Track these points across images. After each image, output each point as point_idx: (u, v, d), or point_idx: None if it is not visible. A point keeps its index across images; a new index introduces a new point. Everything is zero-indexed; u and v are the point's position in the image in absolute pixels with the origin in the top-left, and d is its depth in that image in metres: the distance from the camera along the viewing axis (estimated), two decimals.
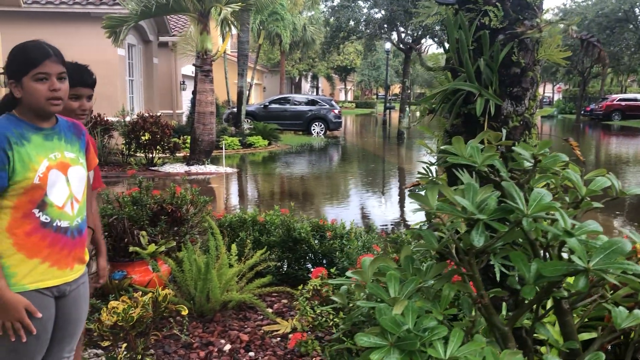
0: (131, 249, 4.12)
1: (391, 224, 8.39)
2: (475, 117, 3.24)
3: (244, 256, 4.44)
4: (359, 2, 19.88)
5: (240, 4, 11.52)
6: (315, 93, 48.98)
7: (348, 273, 1.85)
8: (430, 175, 3.56)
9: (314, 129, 23.66)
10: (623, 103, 36.19)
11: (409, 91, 24.25)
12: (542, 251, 1.58)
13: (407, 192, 3.55)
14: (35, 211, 1.91)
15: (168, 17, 19.35)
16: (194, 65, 13.06)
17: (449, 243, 1.72)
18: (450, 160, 1.87)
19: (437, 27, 15.59)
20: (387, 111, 32.09)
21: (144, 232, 4.30)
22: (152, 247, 4.20)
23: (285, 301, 4.38)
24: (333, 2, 20.17)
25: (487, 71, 3.10)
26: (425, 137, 24.50)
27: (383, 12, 18.60)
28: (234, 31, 18.02)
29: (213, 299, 3.96)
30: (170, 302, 3.25)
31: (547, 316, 1.64)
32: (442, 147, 3.25)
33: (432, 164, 3.60)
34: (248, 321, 3.98)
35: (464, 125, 3.27)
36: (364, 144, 23.38)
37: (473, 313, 1.66)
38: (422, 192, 3.46)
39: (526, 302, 1.57)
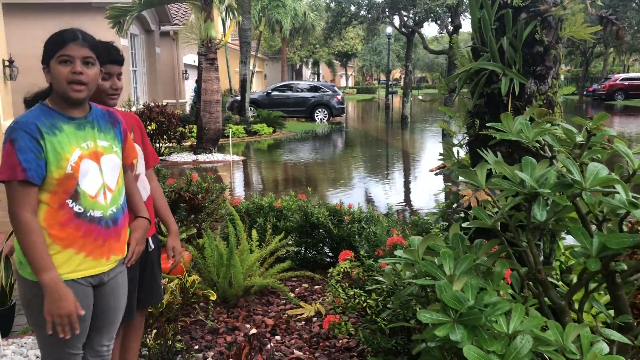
0: None
1: (404, 208, 8.40)
2: (498, 97, 3.23)
3: (264, 242, 4.46)
4: None
5: None
6: (316, 79, 48.81)
7: (397, 252, 1.86)
8: (453, 156, 3.57)
9: (317, 116, 23.59)
10: (626, 82, 35.98)
11: (412, 75, 24.14)
12: (593, 226, 1.59)
13: (433, 174, 3.54)
14: (69, 201, 1.90)
15: (169, 6, 19.26)
16: (198, 53, 13.01)
17: (498, 220, 1.72)
18: (500, 137, 1.86)
19: (440, 10, 15.46)
20: (390, 96, 31.99)
21: None
22: None
23: (306, 285, 4.40)
24: None
25: (510, 50, 3.08)
26: (438, 118, 24.35)
27: None
28: (231, 19, 17.92)
29: (236, 284, 3.98)
30: (197, 288, 3.27)
31: (596, 291, 1.65)
32: (467, 126, 3.26)
33: (454, 145, 3.60)
34: (271, 305, 4.00)
35: (487, 105, 3.27)
36: (368, 129, 23.33)
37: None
38: (449, 173, 3.46)
39: (584, 276, 1.58)
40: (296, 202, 5.00)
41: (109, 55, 2.36)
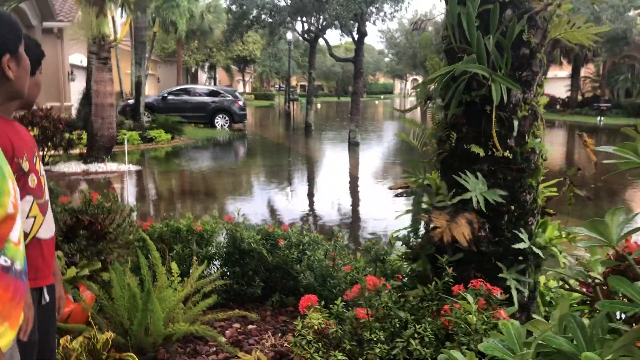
0: None
1: (341, 223, 7.90)
2: (480, 106, 2.77)
3: (186, 275, 3.71)
4: None
5: None
6: (213, 84, 47.40)
7: (481, 346, 1.28)
8: (420, 175, 3.07)
9: (217, 122, 22.61)
10: None
11: (315, 82, 23.91)
12: None
13: (393, 194, 3.03)
14: None
15: (53, 0, 17.51)
16: (89, 52, 11.76)
17: None
18: (623, 168, 1.31)
19: (348, 16, 15.22)
20: (291, 103, 31.61)
21: (59, 253, 3.44)
22: (71, 271, 3.36)
23: (237, 325, 3.72)
24: None
25: (496, 52, 2.64)
26: (341, 125, 24.17)
27: (290, 0, 17.98)
28: (126, 15, 16.62)
29: (155, 332, 3.21)
30: (114, 348, 2.50)
31: None
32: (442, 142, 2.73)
33: (420, 162, 3.10)
34: (200, 356, 3.28)
35: (466, 115, 2.79)
36: (272, 136, 22.74)
37: None
38: (412, 195, 2.96)
39: None
40: (221, 224, 4.29)
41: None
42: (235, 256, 4.10)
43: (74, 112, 19.32)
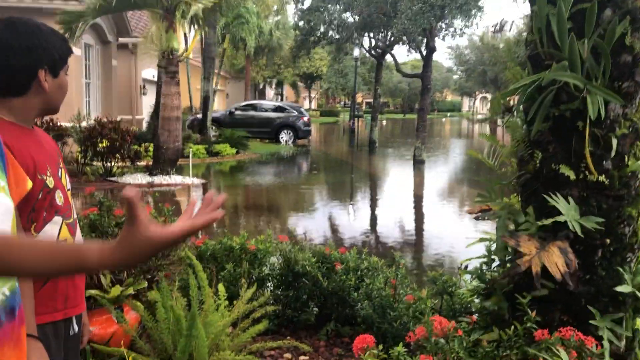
0: (88, 292, 3.11)
1: (403, 246, 7.54)
2: (570, 122, 2.39)
3: (236, 297, 3.48)
4: (330, 5, 19.09)
5: (211, 0, 10.51)
6: (280, 100, 48.01)
7: None
8: (496, 197, 2.71)
9: (282, 137, 22.70)
10: None
11: (381, 99, 23.61)
12: None
13: (472, 217, 2.70)
14: None
15: (129, 17, 18.15)
16: (158, 66, 11.99)
17: None
18: None
19: (416, 32, 14.85)
20: (355, 119, 31.39)
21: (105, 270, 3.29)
22: (116, 290, 3.20)
23: (288, 355, 3.44)
24: (303, 4, 19.31)
25: (592, 59, 2.27)
26: (406, 142, 23.60)
27: (357, 17, 17.82)
28: (195, 30, 16.97)
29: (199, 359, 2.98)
30: None
31: None
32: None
33: (498, 183, 2.74)
34: None
35: (553, 132, 2.42)
36: (335, 152, 22.57)
37: None
38: (494, 218, 2.59)
39: None
40: (275, 244, 4.05)
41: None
42: (289, 279, 3.84)
43: (144, 125, 19.91)
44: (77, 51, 13.81)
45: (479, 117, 64.27)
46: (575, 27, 2.30)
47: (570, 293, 2.33)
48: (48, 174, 1.56)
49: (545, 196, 2.28)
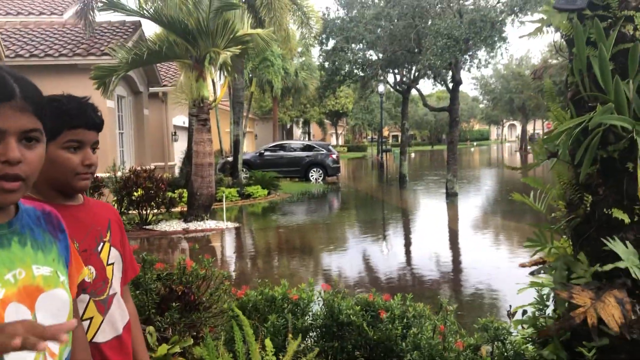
0: None
1: (429, 282, 7.41)
2: (618, 164, 2.34)
3: (281, 350, 3.43)
4: (353, 45, 19.37)
5: (240, 46, 10.76)
6: (307, 138, 48.44)
7: None
8: (546, 242, 2.64)
9: (312, 175, 22.80)
10: None
11: (408, 132, 23.62)
12: None
13: (527, 272, 2.63)
14: None
15: (158, 67, 18.71)
16: (190, 114, 12.27)
17: None
18: None
19: (437, 64, 14.87)
20: (384, 154, 31.43)
21: (151, 328, 3.29)
22: (163, 349, 3.19)
23: None
24: (327, 46, 19.64)
25: (637, 99, 2.23)
26: (437, 176, 23.49)
27: (381, 55, 18.01)
28: (224, 77, 17.35)
29: None
30: None
31: None
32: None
33: (547, 228, 2.67)
34: None
35: (602, 174, 2.37)
36: (366, 188, 22.53)
37: None
38: (547, 273, 2.52)
39: None
40: (316, 292, 4.00)
41: (84, 116, 1.53)
42: (333, 329, 3.77)
43: (176, 171, 20.27)
44: (110, 103, 14.23)
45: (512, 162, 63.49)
46: (618, 67, 2.27)
47: (635, 342, 2.23)
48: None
49: (601, 240, 2.22)
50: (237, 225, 12.41)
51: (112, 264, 1.63)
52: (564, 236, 2.59)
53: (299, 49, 24.89)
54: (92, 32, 14.43)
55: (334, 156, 23.14)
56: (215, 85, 19.63)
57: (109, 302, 1.59)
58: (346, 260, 8.95)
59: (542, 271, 2.48)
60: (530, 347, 2.83)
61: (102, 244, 1.61)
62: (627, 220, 2.22)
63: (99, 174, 11.75)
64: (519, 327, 2.88)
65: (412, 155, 49.17)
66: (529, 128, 58.50)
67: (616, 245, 2.18)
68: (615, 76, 2.16)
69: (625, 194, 2.28)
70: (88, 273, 1.42)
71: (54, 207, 1.28)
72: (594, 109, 2.29)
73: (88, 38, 14.40)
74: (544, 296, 2.69)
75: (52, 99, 1.49)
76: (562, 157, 2.45)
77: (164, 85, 19.62)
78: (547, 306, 2.69)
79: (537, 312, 2.68)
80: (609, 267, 2.15)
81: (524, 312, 2.86)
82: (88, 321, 1.52)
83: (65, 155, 1.48)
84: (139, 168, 11.77)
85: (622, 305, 2.13)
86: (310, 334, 3.95)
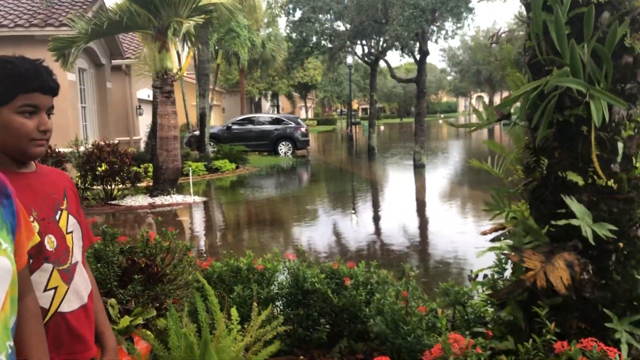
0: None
1: (394, 250, 7.50)
2: (573, 127, 2.38)
3: (246, 319, 3.44)
4: (320, 15, 19.15)
5: (203, 16, 10.51)
6: (276, 112, 48.07)
7: None
8: (504, 206, 2.68)
9: (280, 149, 22.70)
10: None
11: (377, 105, 23.63)
12: None
13: (487, 238, 2.67)
14: None
15: (121, 38, 18.19)
16: (153, 86, 12.01)
17: None
18: None
19: (408, 37, 14.88)
20: (353, 126, 31.45)
21: (112, 300, 3.25)
22: (125, 321, 3.16)
23: None
24: (294, 16, 19.37)
25: (592, 63, 2.25)
26: (404, 148, 23.70)
27: (349, 25, 17.86)
28: (188, 48, 17.00)
29: None
30: None
31: None
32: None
33: (505, 191, 2.71)
34: None
35: (558, 138, 2.40)
36: (335, 161, 22.56)
37: None
38: (508, 239, 2.56)
39: None
40: (282, 262, 4.01)
41: (39, 80, 1.43)
42: (298, 297, 3.80)
43: (142, 146, 19.92)
44: (71, 76, 13.82)
45: (471, 122, 64.31)
46: (574, 31, 2.29)
47: (587, 300, 2.30)
48: (31, 218, 1.44)
49: (557, 203, 2.26)
50: (204, 199, 12.31)
51: (71, 232, 1.60)
52: (522, 200, 2.64)
53: (266, 20, 24.53)
54: (50, 1, 13.92)
55: (303, 129, 23.04)
56: (180, 57, 19.23)
57: (72, 270, 1.56)
58: (315, 232, 8.99)
59: (502, 237, 2.52)
60: (489, 309, 2.90)
61: (59, 212, 1.57)
62: (581, 182, 2.27)
63: (61, 149, 11.46)
64: (479, 289, 2.93)
65: (382, 128, 49.34)
66: (496, 99, 59.19)
67: (572, 204, 2.22)
68: (571, 40, 2.18)
69: (580, 157, 2.32)
70: (38, 239, 1.37)
71: (6, 174, 1.22)
72: (551, 72, 2.31)
73: (45, 8, 13.88)
74: (502, 260, 2.75)
75: (4, 60, 1.43)
76: (519, 121, 2.47)
77: (127, 58, 19.13)
78: (506, 269, 2.75)
79: (496, 275, 2.73)
80: (562, 222, 2.19)
81: (485, 275, 2.92)
82: (53, 291, 1.48)
83: (19, 120, 1.41)
84: (102, 142, 11.51)
85: (571, 268, 2.18)
86: (277, 303, 3.97)
